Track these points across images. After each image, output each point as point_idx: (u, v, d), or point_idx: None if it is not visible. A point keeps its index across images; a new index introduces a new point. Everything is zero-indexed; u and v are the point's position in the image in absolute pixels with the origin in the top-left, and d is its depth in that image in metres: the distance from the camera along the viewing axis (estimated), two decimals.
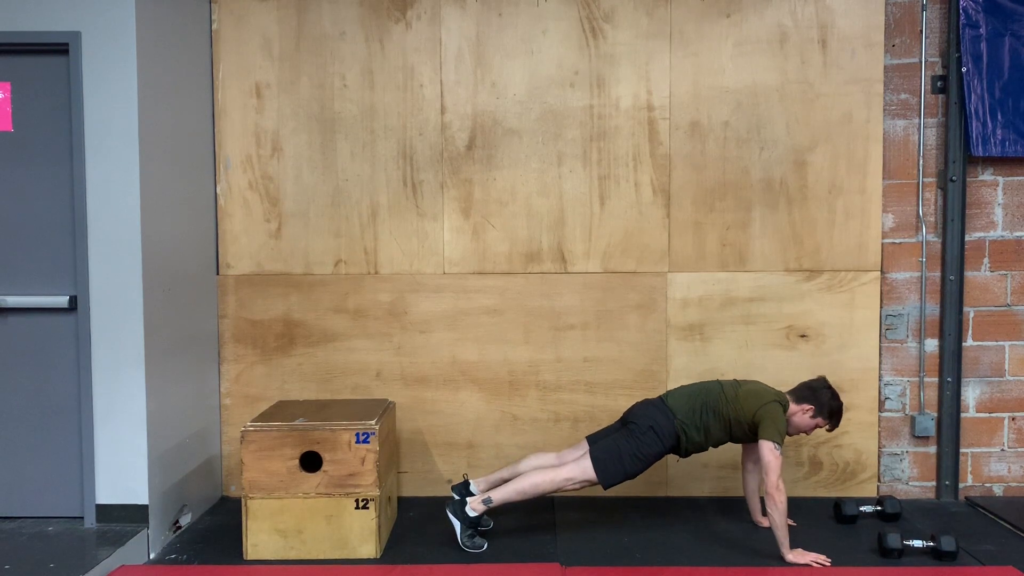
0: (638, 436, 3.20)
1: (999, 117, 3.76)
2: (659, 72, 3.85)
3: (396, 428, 3.88)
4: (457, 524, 3.23)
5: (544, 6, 3.86)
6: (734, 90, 3.84)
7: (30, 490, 3.29)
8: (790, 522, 3.45)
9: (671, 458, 3.87)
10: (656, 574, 2.98)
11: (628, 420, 3.32)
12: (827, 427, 3.32)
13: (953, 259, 3.84)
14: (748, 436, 3.24)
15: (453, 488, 3.42)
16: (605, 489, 3.24)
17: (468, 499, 3.26)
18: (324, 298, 3.93)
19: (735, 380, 3.39)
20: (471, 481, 3.44)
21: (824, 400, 3.25)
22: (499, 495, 3.22)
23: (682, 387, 3.41)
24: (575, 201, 3.89)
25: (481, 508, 3.23)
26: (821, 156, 3.84)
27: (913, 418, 3.91)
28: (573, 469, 3.21)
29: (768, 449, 3.07)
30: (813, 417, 3.26)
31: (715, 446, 3.31)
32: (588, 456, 3.22)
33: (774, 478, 3.05)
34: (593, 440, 3.34)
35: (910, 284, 3.90)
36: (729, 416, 3.21)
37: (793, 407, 3.26)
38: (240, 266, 3.94)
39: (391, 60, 3.89)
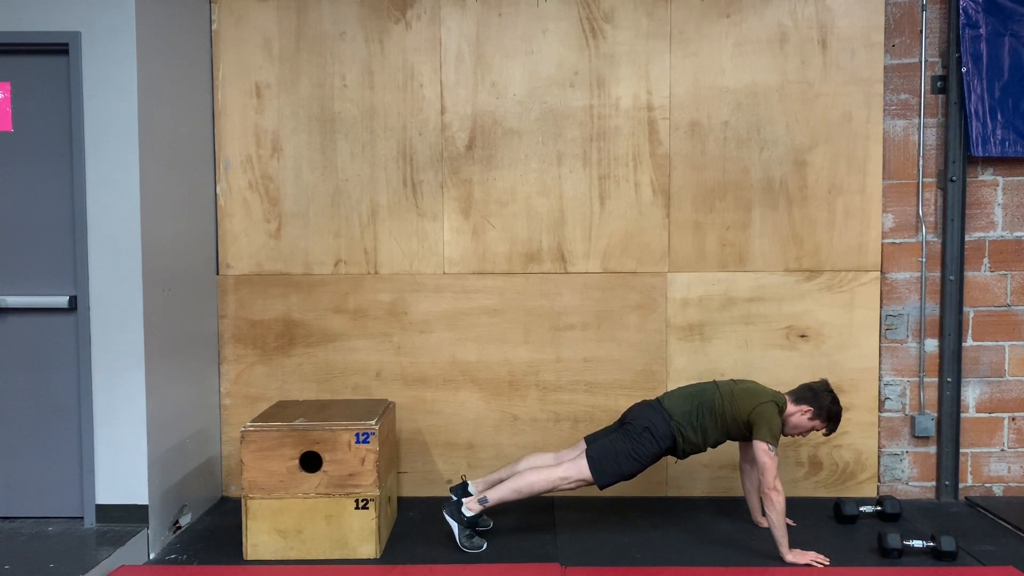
0: (634, 437, 3.21)
1: (999, 117, 3.76)
2: (659, 72, 3.85)
3: (396, 428, 3.88)
4: (455, 525, 3.22)
5: (544, 6, 3.86)
6: (734, 90, 3.84)
7: (30, 490, 3.29)
8: (789, 522, 3.44)
9: (670, 458, 3.88)
10: (656, 574, 2.98)
11: (625, 421, 3.32)
12: (824, 431, 3.31)
13: (953, 259, 3.84)
14: (745, 435, 3.24)
15: (451, 490, 3.42)
16: (600, 489, 3.24)
17: (464, 499, 3.27)
18: (324, 298, 3.93)
19: (732, 379, 3.39)
20: (469, 482, 3.44)
21: (824, 403, 3.24)
22: (495, 495, 3.22)
23: (679, 388, 3.41)
24: (575, 201, 3.89)
25: (477, 508, 3.23)
26: (821, 156, 3.84)
27: (913, 418, 3.91)
28: (569, 468, 3.21)
29: (762, 450, 3.07)
30: (811, 419, 3.25)
31: (713, 447, 3.31)
32: (584, 456, 3.22)
33: (770, 479, 3.05)
34: (591, 440, 3.35)
35: (910, 284, 3.90)
36: (725, 415, 3.21)
37: (791, 407, 3.25)
38: (240, 266, 3.94)
39: (391, 60, 3.89)
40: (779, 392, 3.27)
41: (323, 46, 3.88)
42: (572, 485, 3.22)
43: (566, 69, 3.87)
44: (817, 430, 3.30)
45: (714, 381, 3.38)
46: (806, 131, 3.84)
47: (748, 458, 3.40)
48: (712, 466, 3.89)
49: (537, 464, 3.34)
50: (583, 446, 3.33)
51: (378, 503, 3.20)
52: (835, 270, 3.87)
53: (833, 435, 3.78)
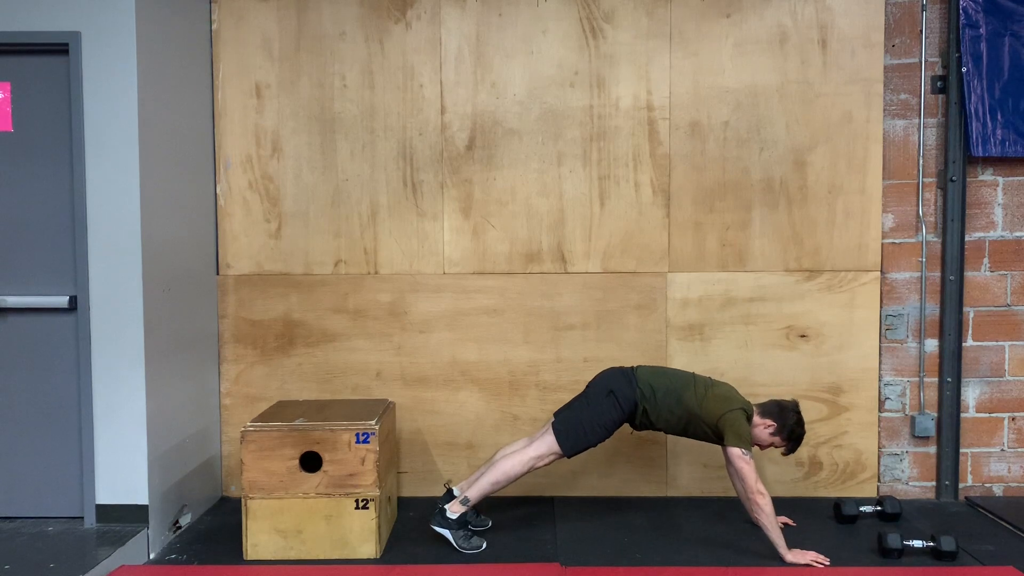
0: (598, 403, 3.21)
1: (999, 117, 3.76)
2: (659, 72, 3.85)
3: (396, 428, 3.88)
4: (446, 532, 3.21)
5: (544, 6, 3.86)
6: (734, 90, 3.84)
7: (30, 490, 3.29)
8: (789, 522, 3.45)
9: (672, 456, 3.88)
10: (656, 574, 2.98)
11: (590, 385, 3.32)
12: (784, 450, 3.30)
13: (953, 259, 3.84)
14: (708, 437, 3.24)
15: (439, 500, 3.40)
16: (568, 458, 3.25)
17: (446, 505, 3.25)
18: (324, 298, 3.93)
19: (710, 378, 3.35)
20: (453, 488, 3.42)
21: (788, 422, 3.23)
22: (474, 492, 3.21)
23: (659, 366, 3.41)
24: (575, 201, 3.89)
25: (460, 509, 3.22)
26: (821, 156, 3.84)
27: (913, 418, 3.91)
28: (539, 446, 3.21)
29: (736, 456, 3.08)
30: (772, 435, 3.24)
31: (665, 431, 3.31)
32: (551, 429, 3.22)
33: (751, 483, 3.05)
34: (559, 412, 3.35)
35: (910, 284, 3.90)
36: (691, 410, 3.19)
37: (756, 419, 3.24)
38: (240, 266, 3.94)
39: (391, 60, 3.89)
40: (749, 402, 3.27)
41: (323, 46, 3.88)
42: (546, 461, 3.22)
43: (566, 69, 3.87)
44: (776, 447, 3.29)
45: (692, 374, 3.36)
46: (806, 131, 3.84)
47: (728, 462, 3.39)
48: (712, 466, 3.88)
49: (510, 451, 3.34)
50: (553, 420, 3.33)
51: (378, 503, 3.19)
52: (835, 270, 3.87)
53: (834, 435, 3.79)
